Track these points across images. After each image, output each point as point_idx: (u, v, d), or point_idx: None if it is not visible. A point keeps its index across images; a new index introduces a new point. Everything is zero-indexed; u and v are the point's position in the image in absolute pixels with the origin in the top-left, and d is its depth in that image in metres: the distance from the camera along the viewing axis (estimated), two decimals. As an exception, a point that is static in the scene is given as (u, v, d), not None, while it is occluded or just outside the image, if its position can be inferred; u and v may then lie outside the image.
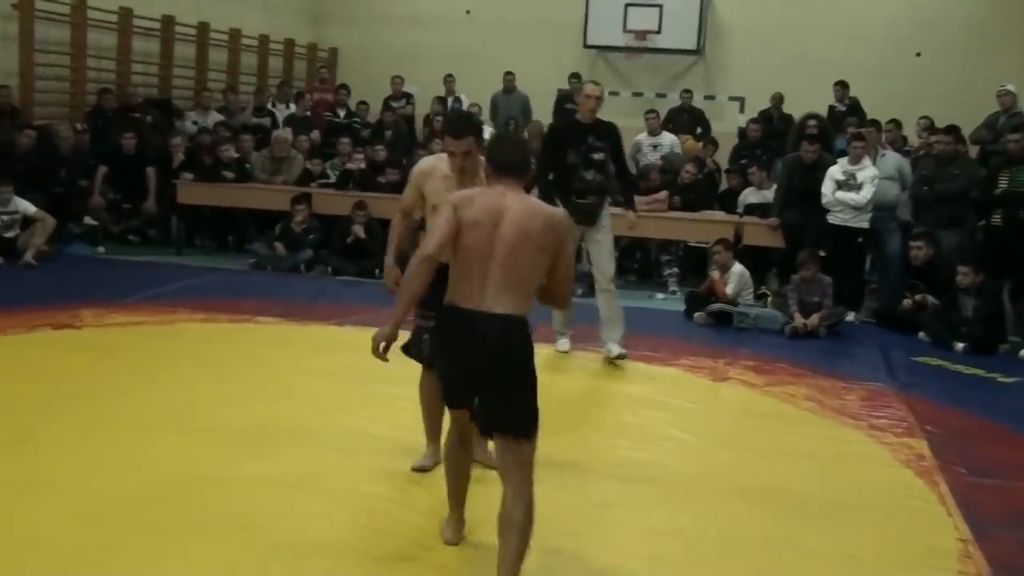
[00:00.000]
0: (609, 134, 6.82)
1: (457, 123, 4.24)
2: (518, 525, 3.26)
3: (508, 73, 13.72)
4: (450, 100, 13.84)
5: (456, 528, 3.82)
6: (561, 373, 6.52)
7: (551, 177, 6.80)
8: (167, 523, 3.86)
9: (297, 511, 4.06)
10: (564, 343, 7.00)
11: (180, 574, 3.51)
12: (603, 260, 6.83)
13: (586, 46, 15.14)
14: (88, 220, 10.40)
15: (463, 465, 3.77)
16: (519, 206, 3.37)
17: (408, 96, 13.77)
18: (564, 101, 13.35)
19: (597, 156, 6.72)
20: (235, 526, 3.86)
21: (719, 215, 10.00)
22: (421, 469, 4.54)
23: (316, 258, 9.88)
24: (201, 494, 4.15)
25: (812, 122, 10.15)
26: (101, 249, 10.12)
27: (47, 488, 4.12)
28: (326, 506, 4.14)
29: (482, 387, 3.36)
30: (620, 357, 6.70)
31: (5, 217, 9.16)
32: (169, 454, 4.58)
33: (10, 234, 9.17)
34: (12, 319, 6.90)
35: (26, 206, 9.27)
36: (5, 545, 3.60)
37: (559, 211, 3.59)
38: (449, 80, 13.87)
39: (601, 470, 4.83)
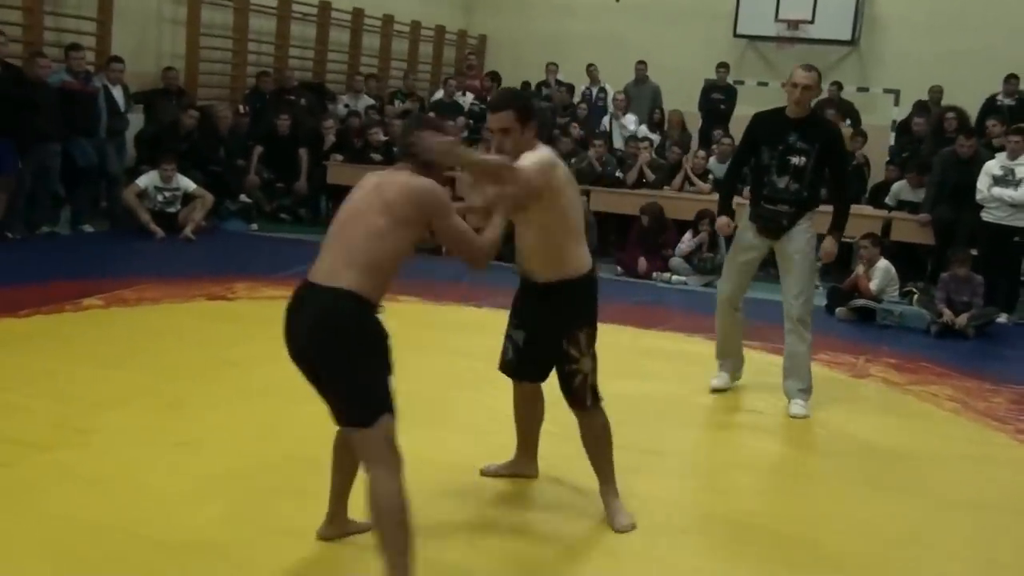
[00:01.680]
0: (820, 136, 5.44)
1: (496, 96, 3.87)
2: (372, 519, 3.07)
3: (640, 62, 13.56)
4: (594, 90, 13.86)
5: (331, 524, 3.60)
6: (691, 365, 6.49)
7: (748, 176, 5.85)
8: (310, 485, 4.03)
9: (428, 484, 4.17)
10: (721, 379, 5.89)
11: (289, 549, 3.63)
12: (788, 288, 5.54)
13: (736, 35, 14.91)
14: (243, 198, 10.87)
15: (344, 461, 3.52)
16: (381, 179, 3.25)
17: (560, 85, 13.80)
18: (710, 91, 13.20)
19: (796, 160, 5.40)
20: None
21: (867, 209, 9.74)
22: (495, 473, 4.29)
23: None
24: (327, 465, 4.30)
25: (950, 115, 9.77)
26: (255, 226, 10.57)
27: (202, 447, 4.37)
28: (452, 482, 4.24)
29: (316, 370, 3.16)
30: (799, 417, 5.48)
31: (167, 193, 9.66)
32: (313, 422, 4.75)
33: (172, 209, 9.66)
34: (171, 289, 7.29)
35: (187, 183, 9.75)
36: (162, 498, 3.84)
37: (423, 181, 3.24)
38: (592, 69, 13.87)
39: (731, 461, 4.82)
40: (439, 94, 13.31)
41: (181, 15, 11.21)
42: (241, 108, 11.40)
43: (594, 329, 3.83)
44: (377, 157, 10.85)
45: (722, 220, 5.72)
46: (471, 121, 12.28)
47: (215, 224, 10.15)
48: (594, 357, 3.83)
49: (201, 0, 11.30)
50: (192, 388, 5.14)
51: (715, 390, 5.80)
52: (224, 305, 7.05)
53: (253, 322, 6.65)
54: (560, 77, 14.05)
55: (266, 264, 8.49)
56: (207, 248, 9.29)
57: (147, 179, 9.58)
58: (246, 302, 7.19)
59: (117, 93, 9.68)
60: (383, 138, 11.07)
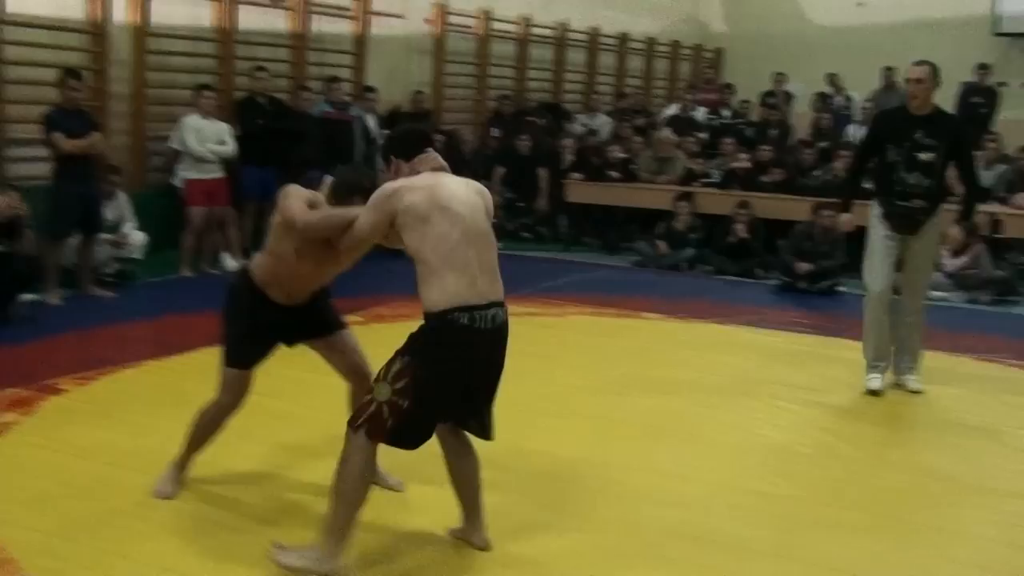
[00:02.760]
0: (948, 130, 5.59)
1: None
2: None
3: (887, 68, 12.99)
4: (837, 98, 13.43)
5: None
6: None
7: (874, 173, 5.87)
8: (556, 501, 4.13)
9: (682, 500, 4.19)
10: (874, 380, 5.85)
11: (555, 548, 3.71)
12: (910, 280, 5.76)
13: (996, 34, 14.05)
14: (486, 218, 11.20)
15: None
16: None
17: (786, 95, 13.48)
18: (969, 95, 12.49)
19: (924, 156, 5.50)
20: (619, 509, 4.05)
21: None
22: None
23: (698, 257, 10.00)
24: (587, 476, 4.39)
25: None
26: (498, 245, 10.86)
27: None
28: (707, 497, 4.23)
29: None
30: (918, 392, 5.79)
31: (417, 214, 10.09)
32: (559, 437, 4.89)
33: (421, 229, 10.09)
34: (413, 308, 7.60)
35: (435, 204, 10.16)
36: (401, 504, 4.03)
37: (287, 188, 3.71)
38: (834, 77, 13.45)
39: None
40: (672, 109, 13.26)
41: (428, 45, 11.75)
42: (493, 131, 11.79)
43: (418, 369, 3.23)
44: (615, 175, 10.94)
45: (845, 217, 5.98)
46: (706, 135, 12.16)
47: (460, 243, 10.50)
48: (399, 394, 3.23)
49: (447, 29, 11.79)
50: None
51: (872, 392, 5.76)
52: (471, 322, 7.30)
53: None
54: (795, 86, 13.67)
55: (508, 282, 8.65)
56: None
57: (398, 201, 10.06)
58: (493, 319, 7.40)
59: (371, 121, 10.25)
60: (620, 155, 11.15)
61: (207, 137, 8.37)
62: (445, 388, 3.29)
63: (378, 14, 10.85)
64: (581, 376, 5.98)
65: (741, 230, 9.69)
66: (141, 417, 4.89)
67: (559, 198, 11.27)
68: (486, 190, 3.57)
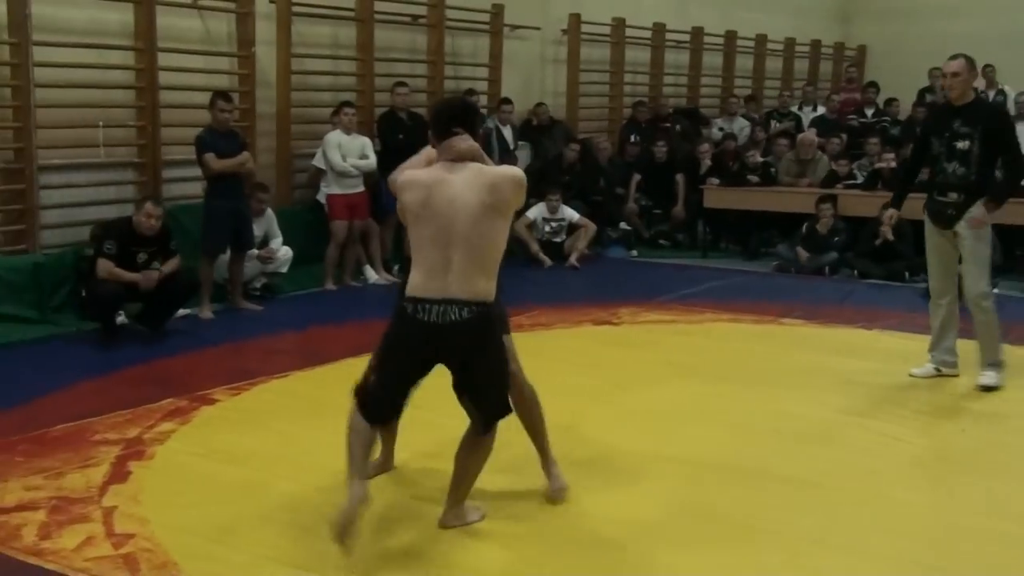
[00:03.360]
0: (982, 117, 5.69)
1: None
2: None
3: None
4: (991, 93, 12.86)
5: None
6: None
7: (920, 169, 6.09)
8: (697, 509, 4.08)
9: (822, 509, 4.09)
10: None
11: (703, 559, 3.68)
12: (966, 271, 5.80)
13: None
14: (623, 225, 11.19)
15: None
16: None
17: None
18: None
19: (960, 144, 5.61)
20: (762, 518, 3.98)
21: None
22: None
23: (841, 260, 9.73)
24: (729, 485, 4.33)
25: None
26: (635, 252, 10.85)
27: (594, 466, 4.53)
28: (851, 505, 4.12)
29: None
30: (988, 388, 5.70)
31: (554, 224, 10.17)
32: (700, 444, 4.83)
33: (558, 239, 10.16)
34: (560, 315, 7.66)
35: (571, 213, 10.21)
36: (586, 517, 4.05)
37: None
38: (988, 70, 12.87)
39: None
40: (820, 110, 12.90)
41: (562, 54, 11.80)
42: (633, 138, 11.77)
43: (382, 343, 3.70)
44: (754, 179, 10.75)
45: (888, 212, 6.15)
46: (846, 136, 11.81)
47: (597, 252, 10.54)
48: (373, 370, 3.73)
49: (581, 38, 11.82)
50: (587, 409, 5.35)
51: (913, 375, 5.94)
52: (609, 329, 7.30)
53: (638, 345, 6.84)
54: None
55: (647, 289, 8.70)
56: (591, 275, 9.68)
57: (536, 211, 10.15)
58: (630, 327, 7.40)
59: (507, 132, 10.36)
60: (760, 160, 10.96)
61: (349, 152, 8.61)
62: (392, 364, 3.64)
63: (514, 27, 10.97)
64: (720, 382, 5.90)
65: (887, 232, 9.34)
66: (288, 425, 5.06)
67: (697, 204, 11.15)
68: (508, 179, 3.61)
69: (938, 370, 5.96)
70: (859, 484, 4.37)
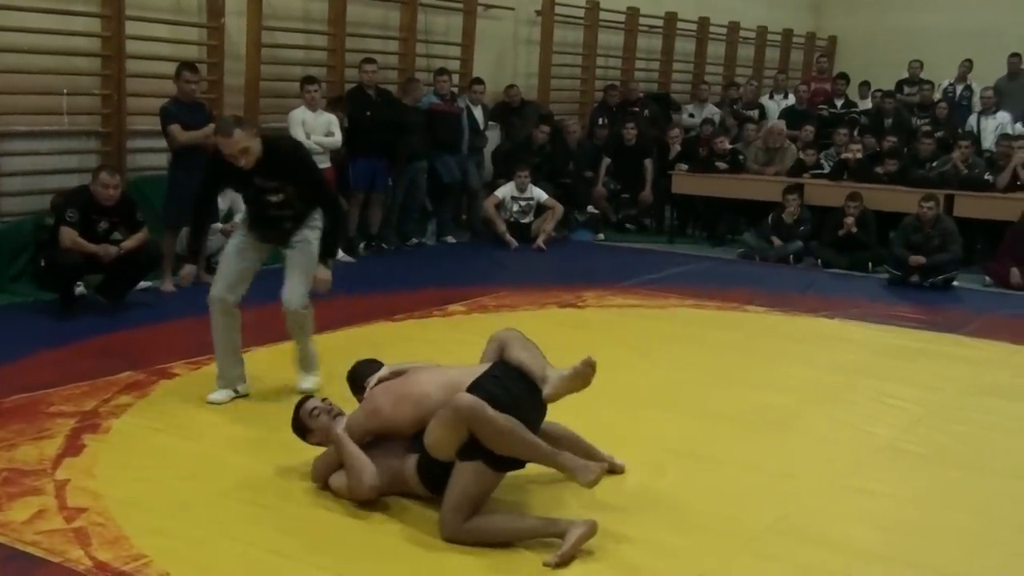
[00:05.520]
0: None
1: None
2: None
3: (1014, 55, 12.49)
4: (959, 88, 12.98)
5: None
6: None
7: None
8: (658, 495, 4.09)
9: (782, 496, 4.11)
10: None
11: (655, 544, 3.66)
12: None
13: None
14: (591, 209, 11.19)
15: None
16: None
17: (923, 83, 13.02)
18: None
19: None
20: (722, 504, 3.99)
21: None
22: None
23: (806, 250, 9.79)
24: (690, 470, 4.33)
25: None
26: (601, 236, 10.85)
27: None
28: (811, 493, 4.15)
29: None
30: None
31: (522, 203, 10.14)
32: (661, 430, 4.84)
33: (525, 220, 10.13)
34: (525, 297, 7.65)
35: (539, 193, 10.18)
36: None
37: None
38: (964, 65, 12.99)
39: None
40: (790, 99, 12.92)
41: (535, 35, 11.75)
42: (601, 121, 11.74)
43: None
44: (722, 166, 10.77)
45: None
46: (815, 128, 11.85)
47: (564, 234, 10.53)
48: None
49: (554, 20, 11.78)
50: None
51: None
52: (575, 313, 7.30)
53: (601, 329, 6.84)
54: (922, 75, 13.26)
55: (613, 273, 8.70)
56: (557, 258, 9.67)
57: (504, 190, 10.13)
58: (595, 310, 7.39)
59: (478, 112, 10.31)
60: (729, 147, 10.98)
61: (314, 130, 8.50)
62: None
63: (488, 6, 10.91)
64: (682, 368, 5.92)
65: (851, 223, 9.44)
66: (248, 402, 5.01)
67: (665, 189, 11.16)
68: None
69: None
70: (820, 472, 4.39)
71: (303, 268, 4.97)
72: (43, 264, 6.84)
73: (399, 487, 3.79)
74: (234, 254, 5.01)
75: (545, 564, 3.40)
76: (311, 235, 4.97)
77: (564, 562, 3.40)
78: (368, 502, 3.75)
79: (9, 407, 4.75)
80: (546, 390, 3.71)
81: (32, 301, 6.86)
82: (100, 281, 6.90)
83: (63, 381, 5.14)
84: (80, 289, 6.90)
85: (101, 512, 3.66)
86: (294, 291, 4.93)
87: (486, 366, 3.79)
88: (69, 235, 6.58)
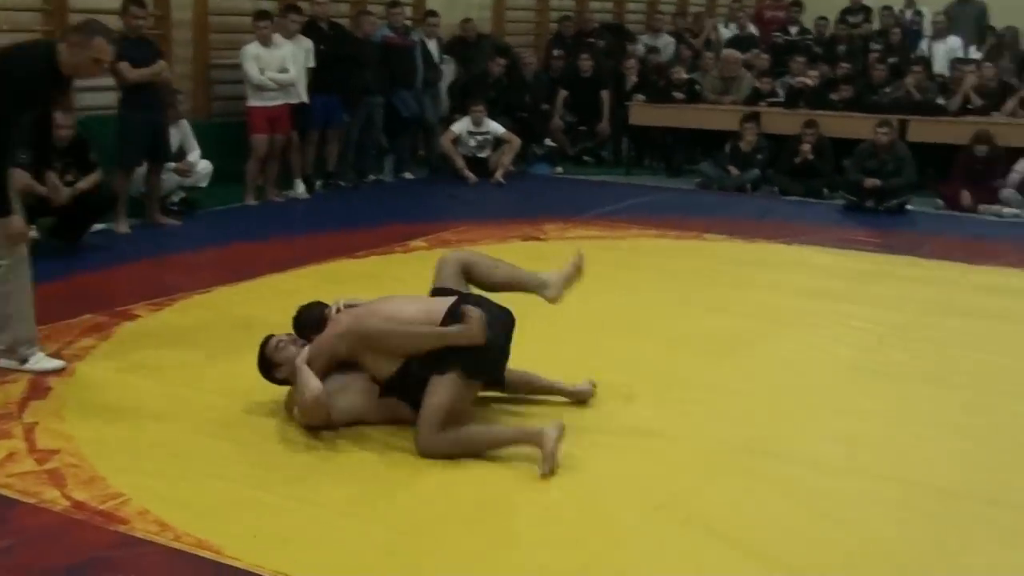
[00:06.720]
0: None
1: None
2: None
3: None
4: (908, 13, 12.99)
5: None
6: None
7: None
8: (624, 419, 4.13)
9: (753, 417, 4.18)
10: None
11: (624, 463, 3.72)
12: None
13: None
14: (548, 142, 11.14)
15: None
16: None
17: (866, 10, 13.03)
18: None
19: None
20: (688, 427, 4.05)
21: None
22: None
23: (763, 178, 9.84)
24: (652, 394, 4.37)
25: None
26: (559, 169, 10.82)
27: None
28: (774, 413, 4.22)
29: None
30: None
31: (479, 137, 10.06)
32: (629, 355, 4.88)
33: (483, 154, 10.06)
34: (486, 231, 7.63)
35: (496, 127, 10.10)
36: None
37: None
38: (906, -10, 13.00)
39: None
40: (750, 28, 12.85)
41: (486, -35, 11.58)
42: (555, 52, 11.62)
43: None
44: (679, 96, 10.75)
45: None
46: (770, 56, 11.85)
47: (522, 168, 10.48)
48: None
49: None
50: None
51: None
52: (537, 245, 7.30)
53: (565, 261, 6.82)
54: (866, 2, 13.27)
55: (572, 206, 8.69)
56: (516, 191, 9.63)
57: (460, 125, 10.04)
58: (556, 242, 7.39)
59: (432, 46, 10.17)
60: (685, 76, 10.95)
61: (267, 65, 8.32)
62: None
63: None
64: (646, 296, 5.96)
65: (807, 150, 9.50)
66: (213, 340, 4.97)
67: (622, 120, 11.12)
68: None
69: None
70: (787, 393, 4.47)
71: None
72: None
73: (374, 413, 3.84)
74: None
75: (542, 476, 3.50)
76: None
77: (553, 467, 3.51)
78: (330, 428, 3.80)
79: (-31, 352, 4.66)
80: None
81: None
82: (53, 224, 6.77)
83: (23, 325, 5.04)
84: (33, 233, 6.75)
85: (73, 453, 3.63)
86: None
87: (452, 299, 3.80)
88: (21, 177, 6.41)
